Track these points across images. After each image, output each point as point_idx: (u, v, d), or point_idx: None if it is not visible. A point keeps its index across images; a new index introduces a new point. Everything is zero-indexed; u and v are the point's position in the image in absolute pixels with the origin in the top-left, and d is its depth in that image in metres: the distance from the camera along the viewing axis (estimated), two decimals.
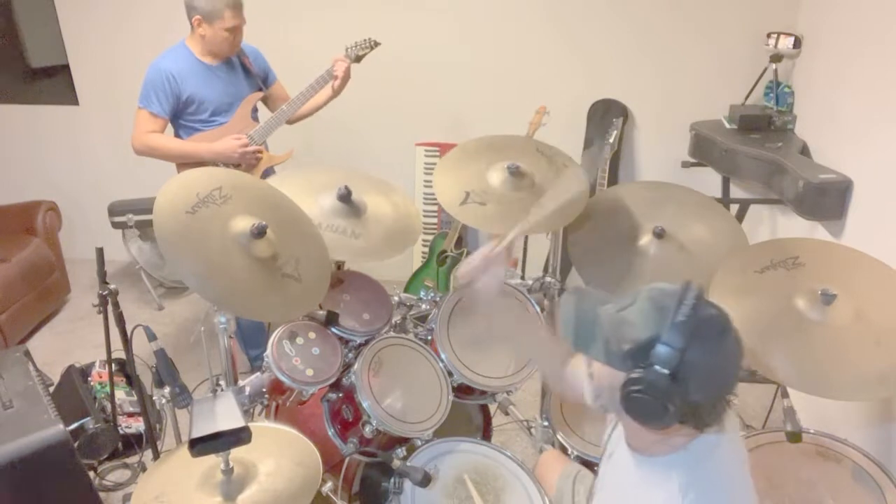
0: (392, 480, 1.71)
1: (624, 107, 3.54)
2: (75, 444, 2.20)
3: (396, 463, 1.73)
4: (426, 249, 3.70)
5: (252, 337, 2.96)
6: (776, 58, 3.15)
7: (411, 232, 2.12)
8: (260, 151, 2.69)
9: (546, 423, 2.12)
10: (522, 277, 2.33)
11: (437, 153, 3.72)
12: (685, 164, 3.35)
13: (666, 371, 1.02)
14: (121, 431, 2.57)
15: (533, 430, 2.26)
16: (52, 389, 2.48)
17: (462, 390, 2.01)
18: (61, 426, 1.99)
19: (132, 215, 3.64)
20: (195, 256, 1.65)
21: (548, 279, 2.29)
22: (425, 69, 3.58)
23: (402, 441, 1.88)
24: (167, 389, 1.70)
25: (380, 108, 3.55)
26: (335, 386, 1.90)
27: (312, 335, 1.90)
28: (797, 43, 3.09)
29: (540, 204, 1.54)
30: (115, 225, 3.68)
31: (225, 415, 1.39)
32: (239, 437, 1.35)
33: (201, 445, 1.33)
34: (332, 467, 1.86)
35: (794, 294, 1.73)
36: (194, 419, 1.38)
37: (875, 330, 1.65)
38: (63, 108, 4.02)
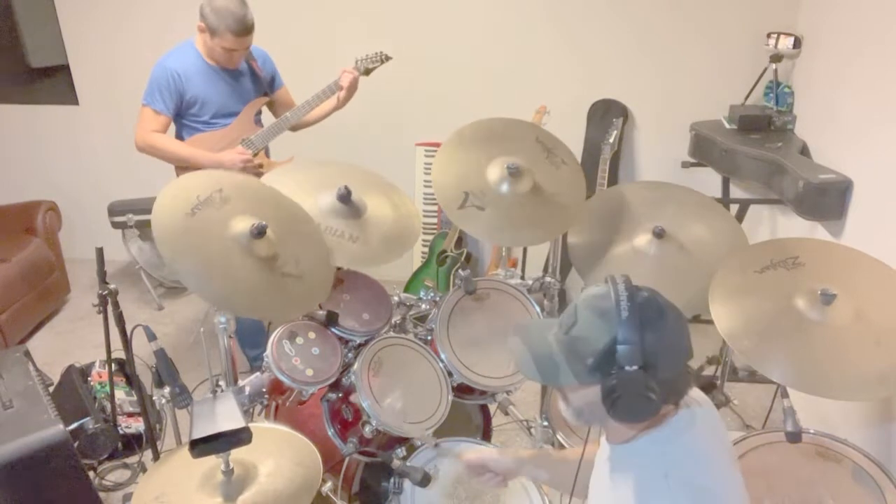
0: (392, 480, 1.71)
1: (624, 107, 3.54)
2: (75, 444, 2.20)
3: (396, 463, 1.74)
4: (426, 249, 3.70)
5: (251, 337, 2.96)
6: (776, 58, 3.15)
7: (411, 234, 2.11)
8: (262, 165, 2.69)
9: (546, 423, 2.12)
10: (522, 277, 2.33)
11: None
12: (685, 164, 3.36)
13: (635, 367, 1.04)
14: (121, 431, 2.57)
15: (533, 430, 2.26)
16: (52, 389, 2.48)
17: (462, 390, 2.01)
18: (61, 426, 1.99)
19: (132, 215, 3.64)
20: (195, 258, 1.64)
21: (548, 279, 2.29)
22: (425, 69, 3.58)
23: (402, 441, 1.88)
24: (167, 389, 1.70)
25: (380, 108, 3.55)
26: (335, 386, 1.90)
27: (312, 335, 1.90)
28: (797, 43, 3.09)
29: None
30: (115, 225, 3.69)
31: (225, 415, 1.39)
32: (239, 437, 1.35)
33: (202, 446, 1.33)
34: (331, 467, 1.86)
35: (794, 294, 1.73)
36: (194, 420, 1.38)
37: (875, 330, 1.65)
38: (63, 108, 4.03)
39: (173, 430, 2.08)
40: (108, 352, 2.28)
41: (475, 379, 1.98)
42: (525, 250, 3.56)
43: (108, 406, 2.55)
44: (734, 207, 3.03)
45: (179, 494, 1.43)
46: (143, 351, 2.15)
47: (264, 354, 1.83)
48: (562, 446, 1.98)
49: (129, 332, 1.99)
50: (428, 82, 3.63)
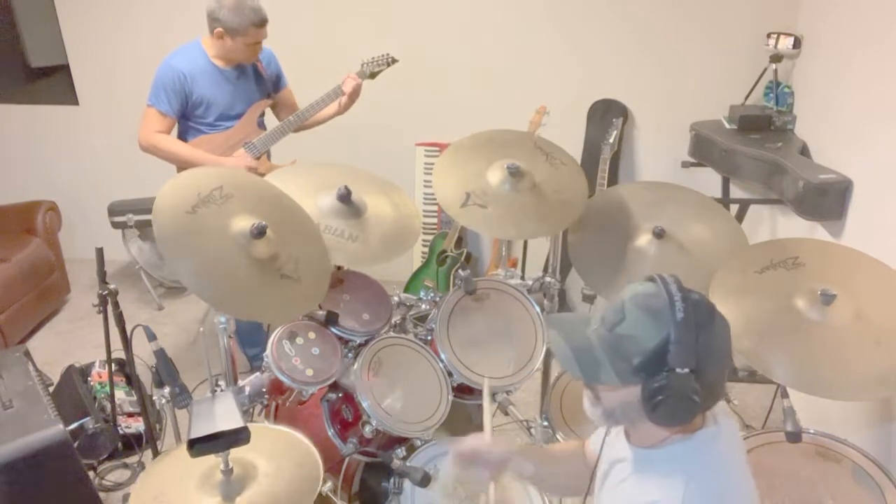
0: (392, 480, 1.71)
1: (624, 107, 3.54)
2: (75, 444, 2.20)
3: (396, 463, 1.73)
4: (426, 249, 3.70)
5: (251, 337, 2.96)
6: (776, 58, 3.15)
7: (410, 234, 2.12)
8: (263, 175, 2.69)
9: (546, 423, 2.12)
10: (522, 277, 2.33)
11: (437, 153, 3.72)
12: (685, 164, 3.35)
13: (687, 370, 1.02)
14: (120, 431, 2.57)
15: (533, 430, 2.26)
16: (52, 389, 2.48)
17: (462, 390, 2.01)
18: (61, 426, 1.99)
19: (132, 215, 3.64)
20: (194, 256, 1.64)
21: (548, 279, 2.29)
22: (425, 69, 3.57)
23: (402, 441, 1.88)
24: (167, 389, 1.70)
25: (380, 108, 3.54)
26: (335, 386, 1.90)
27: (312, 335, 1.90)
28: (797, 43, 3.09)
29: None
30: (115, 225, 3.68)
31: (224, 415, 1.38)
32: (237, 437, 1.35)
33: (200, 446, 1.33)
34: (331, 467, 1.86)
35: (794, 294, 1.73)
36: (193, 419, 1.38)
37: (875, 330, 1.65)
38: (63, 107, 4.02)
39: (173, 430, 2.08)
40: (108, 352, 2.28)
41: (475, 379, 1.98)
42: (525, 251, 3.56)
43: (108, 406, 2.55)
44: (734, 207, 3.02)
45: (178, 494, 1.43)
46: (143, 351, 2.14)
47: (264, 354, 1.83)
48: None
49: (129, 332, 1.99)
50: (428, 82, 3.63)
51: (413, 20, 3.55)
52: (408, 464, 1.74)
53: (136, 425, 2.63)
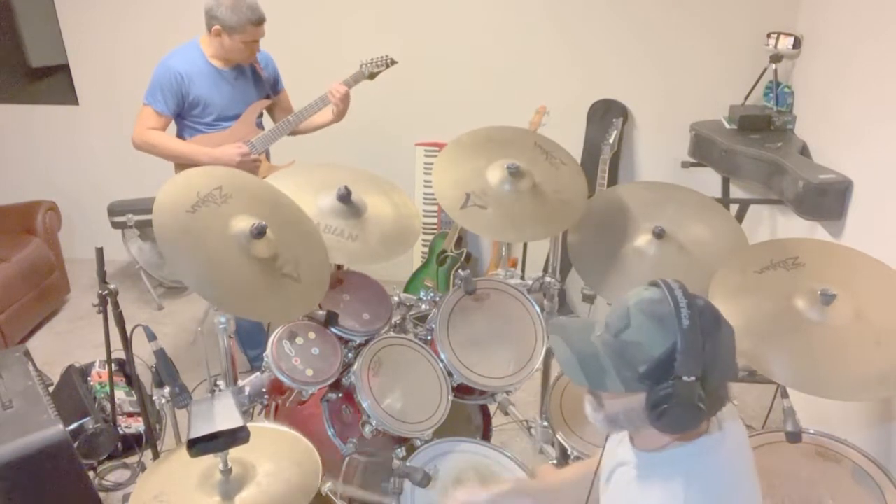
0: (392, 480, 1.71)
1: (624, 107, 3.54)
2: (75, 444, 2.20)
3: (396, 463, 1.73)
4: (426, 249, 3.70)
5: (251, 337, 2.96)
6: (776, 58, 3.15)
7: (410, 233, 2.12)
8: (258, 160, 2.69)
9: (546, 424, 2.12)
10: (522, 277, 2.33)
11: (437, 153, 3.72)
12: (685, 164, 3.35)
13: (693, 378, 1.01)
14: (120, 431, 2.57)
15: (533, 430, 2.26)
16: (51, 389, 2.48)
17: (462, 390, 2.01)
18: (61, 426, 1.99)
19: (132, 215, 3.64)
20: (195, 256, 1.64)
21: (548, 279, 2.29)
22: (425, 69, 3.57)
23: (402, 441, 1.88)
24: (167, 389, 1.69)
25: (380, 108, 3.55)
26: (335, 386, 1.90)
27: (312, 335, 1.90)
28: (797, 43, 3.09)
29: None
30: (115, 225, 3.68)
31: (223, 415, 1.39)
32: (236, 436, 1.35)
33: (199, 445, 1.33)
34: (331, 467, 1.86)
35: (794, 294, 1.73)
36: (192, 419, 1.38)
37: (875, 330, 1.65)
38: (63, 107, 4.02)
39: (173, 430, 2.08)
40: (108, 352, 2.28)
41: (475, 379, 1.98)
42: (525, 251, 3.56)
43: (108, 406, 2.55)
44: (734, 207, 3.02)
45: (178, 494, 1.43)
46: (143, 351, 2.14)
47: (264, 354, 1.83)
48: (562, 447, 1.98)
49: (129, 332, 1.99)
50: (428, 82, 3.63)
51: (413, 20, 3.55)
52: (408, 464, 1.74)
53: (136, 425, 2.63)
